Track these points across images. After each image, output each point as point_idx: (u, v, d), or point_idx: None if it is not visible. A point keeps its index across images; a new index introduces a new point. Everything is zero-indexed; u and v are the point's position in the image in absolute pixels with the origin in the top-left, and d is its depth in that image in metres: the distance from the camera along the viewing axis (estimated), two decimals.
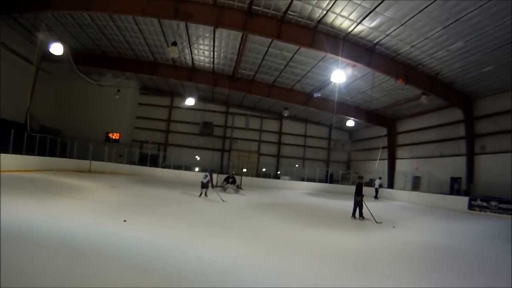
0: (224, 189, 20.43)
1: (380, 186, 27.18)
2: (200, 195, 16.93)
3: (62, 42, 19.09)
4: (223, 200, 15.98)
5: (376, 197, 25.90)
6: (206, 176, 17.31)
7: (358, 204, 13.20)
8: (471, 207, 19.24)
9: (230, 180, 21.18)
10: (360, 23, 15.84)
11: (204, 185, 17.13)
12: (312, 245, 8.47)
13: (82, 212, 9.63)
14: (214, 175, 18.88)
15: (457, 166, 23.08)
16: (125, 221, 8.73)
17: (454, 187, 22.86)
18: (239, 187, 22.66)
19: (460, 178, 22.74)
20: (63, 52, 18.65)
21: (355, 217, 13.21)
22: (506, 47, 15.14)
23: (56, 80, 28.73)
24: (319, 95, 26.38)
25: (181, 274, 5.38)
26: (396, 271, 6.60)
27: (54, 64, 25.87)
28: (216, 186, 19.23)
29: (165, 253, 6.38)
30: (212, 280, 5.25)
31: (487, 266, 7.46)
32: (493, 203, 18.01)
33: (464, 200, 19.93)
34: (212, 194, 17.23)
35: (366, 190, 27.16)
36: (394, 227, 11.89)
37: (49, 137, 23.41)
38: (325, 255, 7.49)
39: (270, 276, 5.77)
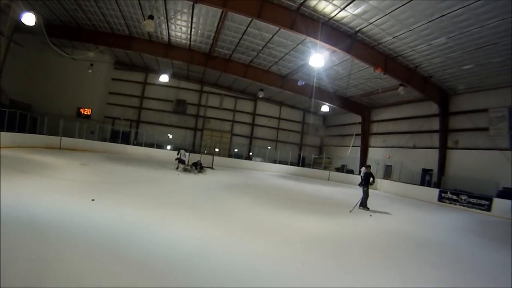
0: (189, 171, 20.37)
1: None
2: (184, 170, 20.17)
3: (36, 12, 17.70)
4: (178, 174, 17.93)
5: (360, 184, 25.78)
6: (184, 155, 20.89)
7: (366, 193, 13.24)
8: (441, 199, 19.70)
9: (198, 167, 20.89)
10: (343, 9, 15.35)
11: (183, 162, 20.59)
12: (284, 229, 8.53)
13: (49, 190, 9.29)
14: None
15: (429, 158, 23.59)
16: (93, 200, 8.54)
17: (426, 179, 23.40)
18: (210, 168, 22.65)
19: (431, 170, 23.28)
20: (36, 22, 17.28)
21: (363, 207, 13.28)
22: (487, 48, 15.31)
23: (27, 53, 26.94)
24: (303, 83, 26.04)
25: (149, 257, 5.22)
26: (364, 258, 6.69)
27: (25, 36, 24.19)
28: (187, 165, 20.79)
29: (133, 235, 6.24)
30: (180, 264, 5.14)
31: (454, 257, 7.64)
32: (463, 197, 18.47)
33: (434, 192, 20.38)
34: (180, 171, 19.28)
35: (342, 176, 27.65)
36: (371, 215, 12.06)
37: (19, 112, 22.10)
38: (296, 239, 7.58)
39: (240, 259, 5.73)
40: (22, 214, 6.54)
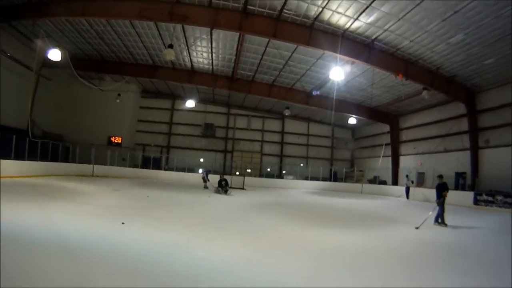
0: (219, 192, 20.59)
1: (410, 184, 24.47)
2: (204, 188, 22.32)
3: (61, 48, 19.17)
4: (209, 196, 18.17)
5: (407, 197, 24.15)
6: (206, 173, 23.61)
7: (441, 206, 11.78)
8: (476, 202, 18.88)
9: (223, 183, 20.99)
10: (356, 19, 15.61)
11: (205, 180, 22.93)
12: (311, 245, 8.30)
13: (81, 215, 9.61)
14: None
15: (461, 160, 22.79)
16: (123, 223, 8.73)
17: (459, 182, 22.57)
18: (241, 188, 23.19)
19: (464, 173, 22.45)
20: (62, 58, 18.59)
21: (438, 223, 11.77)
22: (507, 38, 14.79)
23: (57, 86, 28.65)
24: (318, 92, 26.13)
25: (175, 276, 5.33)
26: (397, 272, 6.33)
27: (54, 70, 25.87)
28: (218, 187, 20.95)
29: (160, 256, 6.33)
30: (203, 283, 5.14)
31: (490, 263, 7.15)
32: (499, 198, 17.64)
33: (469, 195, 19.55)
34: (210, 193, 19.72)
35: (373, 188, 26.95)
36: (416, 228, 10.99)
37: (51, 142, 23.40)
38: (324, 255, 7.32)
39: (265, 277, 5.65)
40: (54, 236, 6.86)
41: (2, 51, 20.50)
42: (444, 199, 11.72)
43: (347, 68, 19.07)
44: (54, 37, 21.42)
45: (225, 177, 22.05)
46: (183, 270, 5.64)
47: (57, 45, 19.27)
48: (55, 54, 18.00)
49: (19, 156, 18.81)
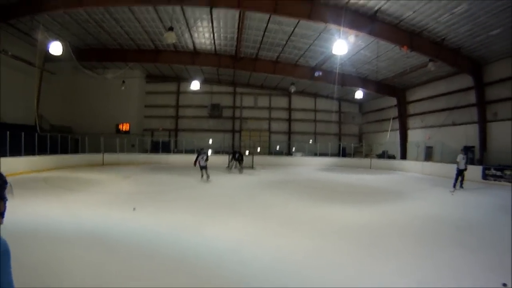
0: (230, 168, 20.50)
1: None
2: (202, 177, 16.87)
3: (62, 40, 19.00)
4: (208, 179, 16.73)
5: (462, 185, 15.71)
6: (203, 157, 16.77)
7: None
8: (485, 176, 18.54)
9: (237, 156, 20.84)
10: None
11: (203, 167, 16.71)
12: (318, 221, 8.57)
13: (94, 204, 10.09)
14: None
15: (469, 134, 22.33)
16: (134, 209, 9.03)
17: (468, 156, 22.15)
18: (250, 168, 23.07)
19: (473, 146, 22.01)
20: (63, 50, 18.37)
21: None
22: None
23: (61, 79, 28.84)
24: (320, 73, 26.02)
25: (183, 257, 5.59)
26: (401, 247, 6.47)
27: (57, 64, 25.94)
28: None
29: (169, 239, 6.66)
30: (211, 261, 5.41)
31: (496, 240, 7.15)
32: (508, 172, 17.31)
33: (478, 170, 19.14)
34: (215, 175, 18.51)
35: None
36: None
37: (59, 135, 23.55)
38: (330, 231, 7.56)
39: (270, 254, 5.88)
40: (70, 225, 7.38)
41: (3, 51, 20.60)
42: None
43: (351, 38, 18.56)
44: (53, 30, 21.25)
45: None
46: (191, 252, 5.87)
47: (57, 38, 19.14)
48: (56, 48, 17.81)
49: (29, 152, 19.00)
